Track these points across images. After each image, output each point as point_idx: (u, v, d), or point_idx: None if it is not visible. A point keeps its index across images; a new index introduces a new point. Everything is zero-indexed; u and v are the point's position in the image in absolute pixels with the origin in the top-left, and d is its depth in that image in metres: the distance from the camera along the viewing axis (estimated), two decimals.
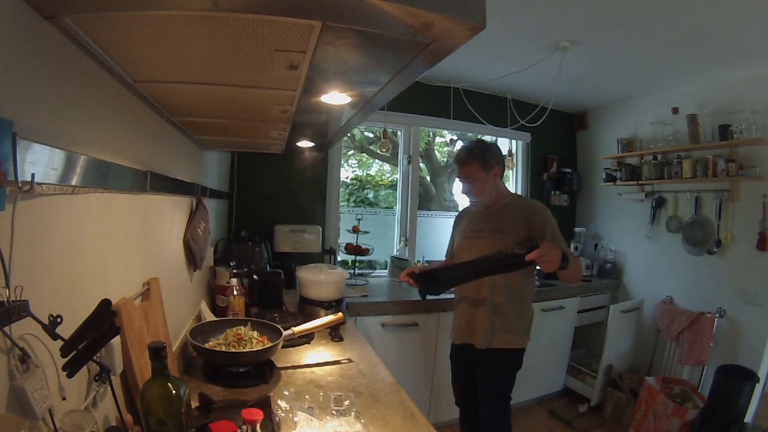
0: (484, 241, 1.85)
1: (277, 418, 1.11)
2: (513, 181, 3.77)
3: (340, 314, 1.75)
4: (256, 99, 0.98)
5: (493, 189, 1.85)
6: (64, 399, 0.66)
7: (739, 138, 2.59)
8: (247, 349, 1.40)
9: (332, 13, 0.52)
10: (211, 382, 1.35)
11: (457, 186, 2.06)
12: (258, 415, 0.85)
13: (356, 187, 4.29)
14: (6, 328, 0.52)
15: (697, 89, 2.92)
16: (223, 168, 2.64)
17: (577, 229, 3.74)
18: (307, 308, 2.09)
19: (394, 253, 3.32)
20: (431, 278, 1.80)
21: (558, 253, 1.52)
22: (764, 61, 2.46)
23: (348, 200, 4.12)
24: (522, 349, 1.85)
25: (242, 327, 1.52)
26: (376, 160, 4.41)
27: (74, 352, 0.63)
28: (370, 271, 3.34)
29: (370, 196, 4.33)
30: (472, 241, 1.90)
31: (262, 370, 1.41)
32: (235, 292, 1.82)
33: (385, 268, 3.34)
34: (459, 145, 3.85)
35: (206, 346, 1.39)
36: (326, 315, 1.85)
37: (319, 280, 2.09)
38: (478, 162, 1.80)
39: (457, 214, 2.15)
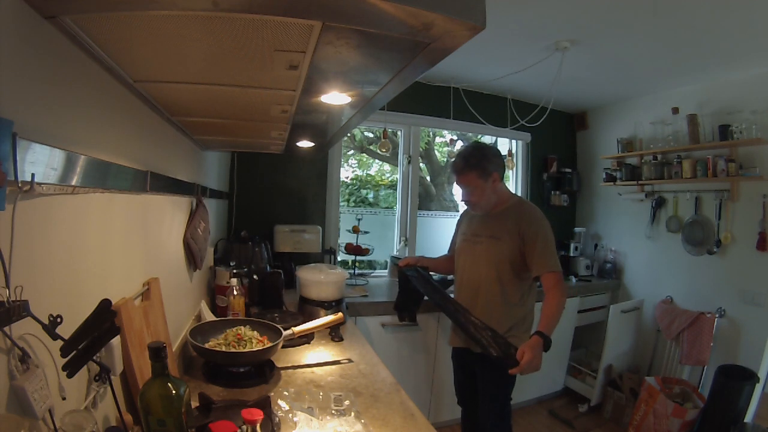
0: (481, 247, 1.85)
1: (277, 418, 1.11)
2: (513, 181, 3.77)
3: (340, 314, 1.75)
4: (256, 99, 0.98)
5: (492, 195, 1.83)
6: (64, 399, 0.66)
7: (739, 138, 2.59)
8: (247, 349, 1.40)
9: (332, 13, 0.52)
10: (211, 382, 1.35)
11: (457, 187, 2.07)
12: (258, 415, 0.85)
13: (356, 187, 4.29)
14: (6, 328, 0.52)
15: (697, 89, 2.92)
16: (223, 168, 2.64)
17: (577, 229, 3.74)
18: (307, 308, 2.09)
19: (394, 253, 3.32)
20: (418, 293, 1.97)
21: (538, 354, 1.58)
22: (764, 61, 2.46)
23: (348, 200, 4.12)
24: None
25: (242, 327, 1.52)
26: (376, 160, 4.41)
27: (74, 352, 0.63)
28: (370, 271, 3.34)
29: (370, 196, 4.33)
30: (471, 246, 1.90)
31: (262, 370, 1.41)
32: (235, 292, 1.82)
33: (385, 268, 3.34)
34: (459, 145, 3.85)
35: (206, 346, 1.39)
36: (326, 315, 1.85)
37: (319, 280, 2.09)
38: (476, 171, 1.78)
39: (459, 213, 2.15)
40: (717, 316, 2.72)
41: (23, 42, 0.54)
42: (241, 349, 1.39)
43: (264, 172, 2.86)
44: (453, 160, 1.90)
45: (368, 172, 4.46)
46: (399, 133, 3.32)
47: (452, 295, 1.99)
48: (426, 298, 2.00)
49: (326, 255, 2.98)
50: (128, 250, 1.00)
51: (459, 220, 2.10)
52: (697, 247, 2.90)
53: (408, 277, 2.00)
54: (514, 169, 3.72)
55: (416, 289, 2.00)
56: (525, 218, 1.79)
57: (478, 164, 1.78)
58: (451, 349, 2.06)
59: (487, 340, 1.64)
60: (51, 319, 0.58)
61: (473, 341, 1.73)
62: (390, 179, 4.32)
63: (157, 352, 0.75)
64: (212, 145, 1.88)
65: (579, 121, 3.89)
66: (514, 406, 1.95)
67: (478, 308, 1.80)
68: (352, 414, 1.17)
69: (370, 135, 4.14)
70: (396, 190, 3.49)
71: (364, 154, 4.33)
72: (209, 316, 1.74)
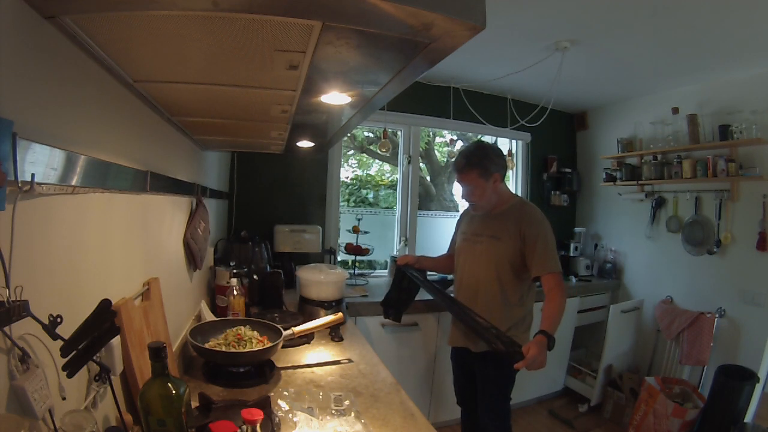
0: (481, 247, 1.85)
1: (277, 418, 1.11)
2: (513, 181, 3.77)
3: (340, 314, 1.75)
4: (256, 99, 0.98)
5: (492, 195, 1.83)
6: (64, 399, 0.66)
7: (739, 138, 2.58)
8: (247, 349, 1.40)
9: (332, 13, 0.52)
10: (211, 382, 1.35)
11: (458, 186, 2.07)
12: (258, 415, 0.85)
13: (356, 187, 4.29)
14: (6, 328, 0.52)
15: (697, 89, 2.92)
16: (223, 168, 2.64)
17: (577, 229, 3.74)
18: (307, 308, 2.09)
19: (394, 253, 3.31)
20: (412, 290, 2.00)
21: (543, 351, 1.58)
22: (764, 61, 2.46)
23: (348, 200, 4.12)
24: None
25: (242, 327, 1.52)
26: (376, 160, 4.41)
27: (74, 352, 0.63)
28: (370, 271, 3.34)
29: (370, 196, 4.33)
30: (471, 245, 1.90)
31: (262, 370, 1.41)
32: (235, 292, 1.82)
33: (385, 268, 3.34)
34: (459, 145, 3.85)
35: (206, 346, 1.39)
36: (326, 315, 1.85)
37: (319, 280, 2.09)
38: (477, 170, 1.77)
39: (459, 213, 2.15)
40: (717, 316, 2.72)
41: (23, 42, 0.54)
42: (241, 349, 1.39)
43: (264, 172, 2.86)
44: (455, 158, 1.90)
45: (368, 172, 4.46)
46: (399, 133, 3.32)
47: (452, 295, 1.99)
48: (426, 298, 2.01)
49: (326, 255, 2.98)
50: (128, 250, 1.00)
51: (459, 220, 2.10)
52: (697, 247, 2.90)
53: (404, 275, 2.01)
54: (514, 169, 3.72)
55: (409, 290, 2.01)
56: (526, 219, 1.78)
57: (479, 163, 1.78)
58: (450, 349, 2.06)
59: (492, 338, 1.64)
60: (51, 319, 0.58)
61: (481, 339, 1.73)
62: (390, 179, 4.32)
63: (157, 352, 0.75)
64: (212, 145, 1.88)
65: (579, 121, 3.88)
66: (514, 406, 1.95)
67: (477, 308, 1.80)
68: (352, 414, 1.17)
69: (370, 135, 4.14)
70: (396, 190, 3.49)
71: (364, 154, 4.33)
72: (209, 316, 1.74)
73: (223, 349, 1.40)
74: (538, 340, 1.59)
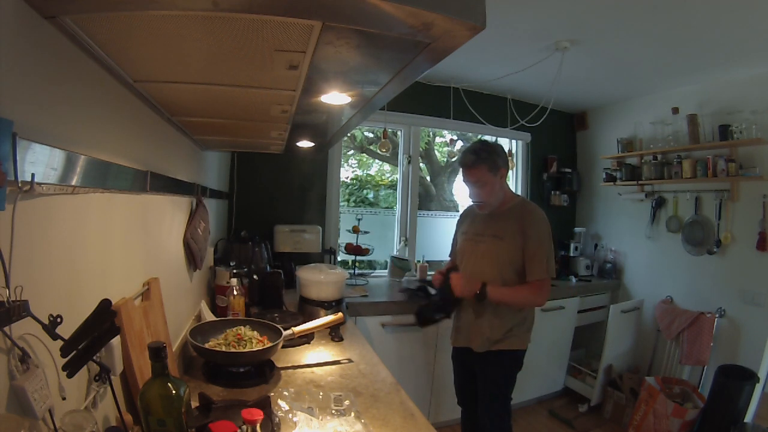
0: (484, 246, 1.85)
1: (277, 418, 1.11)
2: (513, 181, 3.77)
3: (340, 314, 1.75)
4: (256, 99, 0.98)
5: (500, 191, 1.84)
6: (64, 399, 0.66)
7: (739, 138, 2.59)
8: (247, 349, 1.40)
9: (332, 13, 0.52)
10: (211, 382, 1.35)
11: (458, 186, 2.07)
12: (258, 415, 0.85)
13: (356, 187, 4.29)
14: (6, 328, 0.52)
15: (697, 89, 2.92)
16: (223, 168, 2.64)
17: (577, 229, 3.74)
18: (307, 308, 2.09)
19: (394, 253, 3.32)
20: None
21: (470, 284, 1.75)
22: (764, 61, 2.46)
23: (348, 200, 4.12)
24: (522, 351, 1.85)
25: (242, 327, 1.52)
26: (376, 160, 4.41)
27: (74, 352, 0.63)
28: (370, 271, 3.34)
29: (370, 196, 4.33)
30: (473, 245, 1.90)
31: (262, 370, 1.41)
32: (235, 292, 1.82)
33: (385, 268, 3.34)
34: (459, 145, 3.85)
35: (206, 346, 1.39)
36: (326, 315, 1.85)
37: (319, 280, 2.09)
38: (487, 165, 1.78)
39: (459, 213, 2.14)
40: (717, 316, 2.72)
41: (23, 42, 0.54)
42: (241, 349, 1.39)
43: (264, 172, 2.86)
44: (461, 156, 1.89)
45: (368, 172, 4.46)
46: (399, 133, 3.32)
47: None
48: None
49: (326, 255, 2.98)
50: (128, 250, 1.00)
51: (459, 220, 2.10)
52: (697, 247, 2.90)
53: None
54: (514, 169, 3.72)
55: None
56: (527, 218, 1.79)
57: (488, 158, 1.78)
58: (451, 349, 2.06)
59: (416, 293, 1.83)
60: (51, 319, 0.58)
61: (413, 303, 1.90)
62: (390, 179, 4.32)
63: (157, 352, 0.75)
64: (212, 145, 1.88)
65: (579, 121, 3.89)
66: (514, 406, 1.95)
67: (478, 307, 1.80)
68: (352, 414, 1.17)
69: (370, 135, 4.14)
70: (396, 190, 3.49)
71: (364, 154, 4.34)
72: (209, 316, 1.74)
73: (223, 349, 1.40)
74: (475, 280, 1.75)
